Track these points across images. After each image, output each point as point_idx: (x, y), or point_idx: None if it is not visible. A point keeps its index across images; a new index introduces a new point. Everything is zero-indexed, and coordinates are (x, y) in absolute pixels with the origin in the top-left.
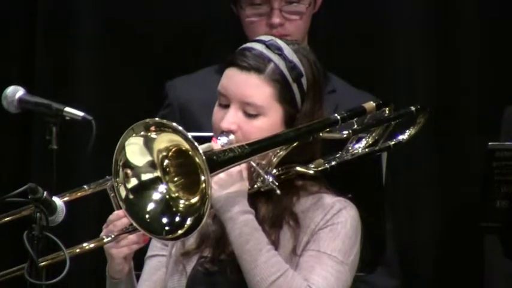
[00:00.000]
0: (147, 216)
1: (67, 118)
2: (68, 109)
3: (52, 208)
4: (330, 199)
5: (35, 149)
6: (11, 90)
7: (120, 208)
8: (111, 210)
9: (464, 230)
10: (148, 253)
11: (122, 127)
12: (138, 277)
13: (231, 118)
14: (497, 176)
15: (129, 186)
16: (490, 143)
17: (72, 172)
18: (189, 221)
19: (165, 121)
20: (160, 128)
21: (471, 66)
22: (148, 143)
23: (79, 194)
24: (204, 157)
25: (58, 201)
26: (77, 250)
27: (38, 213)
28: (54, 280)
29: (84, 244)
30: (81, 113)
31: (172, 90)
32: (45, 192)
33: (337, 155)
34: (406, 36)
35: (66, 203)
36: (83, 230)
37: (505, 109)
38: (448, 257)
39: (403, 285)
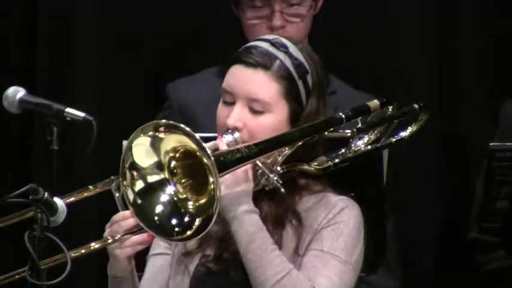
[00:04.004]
0: (156, 218)
1: (68, 119)
2: (68, 110)
3: (53, 209)
4: (332, 198)
5: (35, 149)
6: (11, 90)
7: (125, 209)
8: (113, 211)
9: (465, 231)
10: (152, 251)
11: (122, 128)
12: (140, 278)
13: (236, 115)
14: (498, 176)
15: (137, 189)
16: (491, 144)
17: (73, 173)
18: (198, 222)
19: (174, 123)
20: (170, 130)
21: (472, 65)
22: (155, 144)
23: (84, 194)
24: (213, 159)
25: (59, 201)
26: (82, 251)
27: (39, 214)
28: (56, 281)
29: (92, 244)
30: (82, 114)
31: (173, 92)
32: (46, 193)
33: (340, 153)
34: (406, 37)
35: (68, 204)
36: (84, 230)
37: (502, 105)
38: (448, 258)
39: (403, 286)
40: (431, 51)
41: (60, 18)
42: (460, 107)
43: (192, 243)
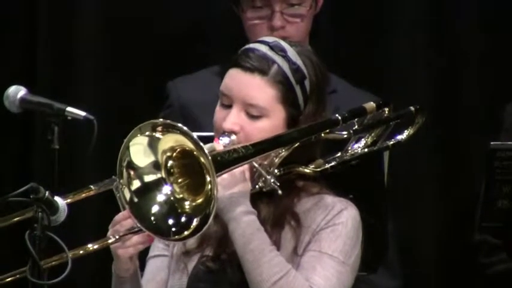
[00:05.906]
0: (152, 218)
1: (69, 118)
2: (69, 109)
3: (54, 208)
4: (330, 200)
5: (36, 148)
6: (12, 90)
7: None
8: (114, 210)
9: (464, 231)
10: (151, 253)
11: (123, 127)
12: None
13: (233, 119)
14: (498, 176)
15: (133, 188)
16: (492, 143)
17: (74, 172)
18: (195, 222)
19: (172, 122)
20: (168, 129)
21: (472, 65)
22: (153, 144)
23: (84, 194)
24: (210, 158)
25: (60, 201)
26: (81, 252)
27: (39, 213)
28: (56, 280)
29: (89, 245)
30: (83, 113)
31: (173, 91)
32: (47, 192)
33: (337, 156)
34: (407, 36)
35: (69, 203)
36: (85, 229)
37: (507, 105)
38: (449, 258)
39: (403, 286)
40: (432, 50)
41: (61, 17)
42: (459, 106)
43: (191, 243)
